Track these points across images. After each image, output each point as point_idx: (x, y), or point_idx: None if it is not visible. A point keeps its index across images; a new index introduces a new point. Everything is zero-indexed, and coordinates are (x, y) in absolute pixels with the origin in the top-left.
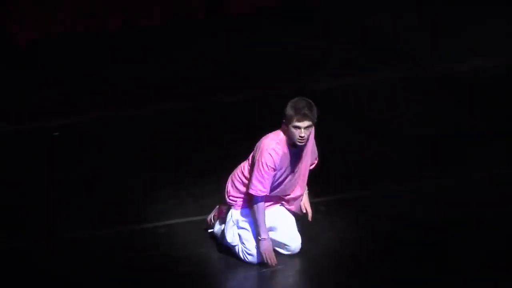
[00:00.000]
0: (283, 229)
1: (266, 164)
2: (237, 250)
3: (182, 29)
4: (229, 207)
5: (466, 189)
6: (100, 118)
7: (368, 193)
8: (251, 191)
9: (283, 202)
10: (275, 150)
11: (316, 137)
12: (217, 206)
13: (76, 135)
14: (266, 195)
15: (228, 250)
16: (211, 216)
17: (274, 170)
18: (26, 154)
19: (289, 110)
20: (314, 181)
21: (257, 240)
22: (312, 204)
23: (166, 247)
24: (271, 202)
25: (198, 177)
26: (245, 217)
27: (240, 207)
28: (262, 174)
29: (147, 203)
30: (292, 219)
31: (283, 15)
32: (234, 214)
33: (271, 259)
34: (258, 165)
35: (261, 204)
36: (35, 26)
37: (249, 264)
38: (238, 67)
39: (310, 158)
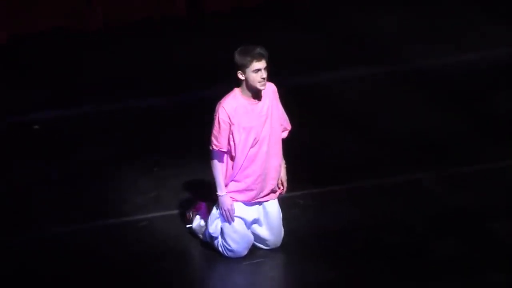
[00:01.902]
0: (269, 225)
1: (219, 118)
2: (216, 244)
3: (163, 26)
4: (213, 201)
5: (447, 184)
6: (79, 114)
7: (347, 188)
8: (209, 146)
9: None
10: (229, 103)
11: (296, 131)
12: (197, 202)
13: (56, 130)
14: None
15: (208, 245)
16: (190, 212)
17: (230, 124)
18: (5, 148)
19: (241, 58)
20: (293, 174)
21: (216, 197)
22: (290, 198)
23: (146, 241)
24: (262, 188)
25: (178, 171)
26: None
27: (232, 199)
28: (217, 128)
29: (128, 197)
30: (279, 216)
31: (264, 12)
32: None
33: (230, 216)
34: (213, 121)
35: (217, 160)
36: (16, 22)
37: (229, 258)
38: (220, 63)
39: (278, 120)
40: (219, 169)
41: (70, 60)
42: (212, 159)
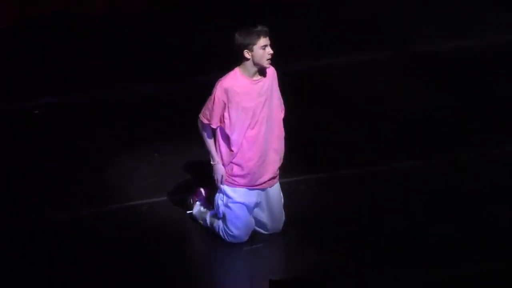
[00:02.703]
0: (270, 210)
1: (216, 94)
2: (217, 229)
3: (163, 11)
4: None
5: (447, 169)
6: (80, 98)
7: (348, 173)
8: (199, 115)
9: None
10: (229, 82)
11: (297, 117)
12: (197, 188)
13: (56, 114)
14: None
15: (208, 230)
16: (190, 198)
17: (225, 103)
18: (5, 133)
19: (247, 36)
20: (294, 160)
21: (210, 165)
22: (290, 184)
23: (147, 226)
24: (264, 171)
25: (179, 157)
26: (235, 198)
27: (233, 184)
28: (211, 103)
29: (128, 183)
30: (280, 202)
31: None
32: (228, 189)
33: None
34: (210, 95)
35: (207, 131)
36: (16, 6)
37: (229, 243)
38: (219, 48)
39: (277, 102)
40: (209, 139)
41: (71, 45)
42: (202, 130)
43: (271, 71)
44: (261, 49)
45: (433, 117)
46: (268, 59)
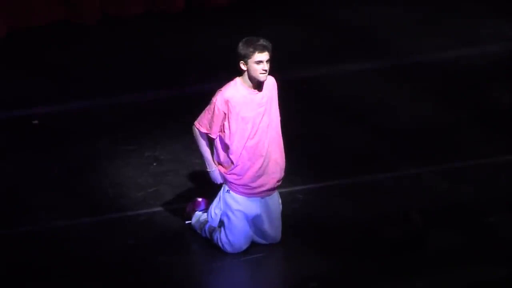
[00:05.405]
0: (269, 219)
1: (216, 104)
2: (216, 239)
3: (161, 20)
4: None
5: (446, 178)
6: (79, 107)
7: (347, 183)
8: (195, 123)
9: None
10: (229, 92)
11: (296, 126)
12: (195, 198)
13: (55, 124)
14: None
15: (207, 240)
16: (189, 208)
17: (225, 113)
18: (4, 142)
19: (244, 48)
20: (293, 169)
21: (207, 172)
22: (290, 193)
23: (145, 236)
24: (264, 181)
25: (177, 166)
26: (234, 206)
27: (233, 191)
28: (210, 113)
29: (127, 192)
30: (279, 211)
31: (262, 6)
32: (227, 197)
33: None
34: (209, 104)
35: (202, 138)
36: (15, 16)
37: (228, 253)
38: (219, 57)
39: (276, 113)
40: (205, 146)
41: (69, 54)
42: (197, 137)
43: (271, 82)
44: (255, 64)
45: (431, 126)
46: (262, 74)
